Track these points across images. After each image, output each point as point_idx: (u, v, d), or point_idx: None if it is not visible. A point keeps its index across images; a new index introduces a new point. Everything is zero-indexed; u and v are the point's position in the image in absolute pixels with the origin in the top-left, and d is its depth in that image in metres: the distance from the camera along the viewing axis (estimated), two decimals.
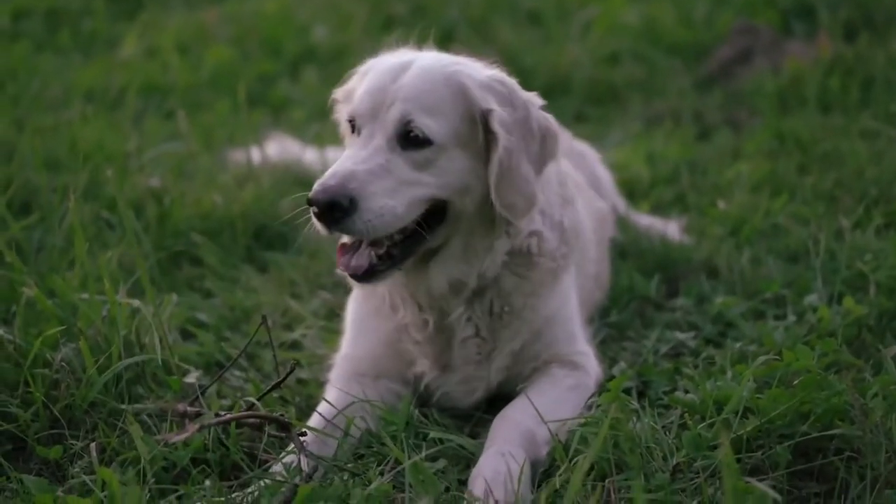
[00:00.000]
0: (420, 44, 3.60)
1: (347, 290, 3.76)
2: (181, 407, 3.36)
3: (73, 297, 3.75)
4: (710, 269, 4.53)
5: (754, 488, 2.81)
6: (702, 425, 3.20)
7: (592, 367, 3.62)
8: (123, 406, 3.46)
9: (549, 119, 3.47)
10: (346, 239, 3.32)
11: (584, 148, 4.78)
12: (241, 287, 4.51)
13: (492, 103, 3.31)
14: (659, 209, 5.20)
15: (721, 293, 4.30)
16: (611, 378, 3.50)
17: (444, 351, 3.53)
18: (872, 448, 3.05)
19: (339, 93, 3.60)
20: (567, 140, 4.63)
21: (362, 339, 3.62)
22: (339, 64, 7.27)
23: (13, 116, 5.60)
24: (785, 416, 3.16)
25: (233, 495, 3.07)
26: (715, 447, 3.06)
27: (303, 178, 5.33)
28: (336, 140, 5.73)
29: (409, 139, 3.26)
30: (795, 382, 3.24)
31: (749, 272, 4.40)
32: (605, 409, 3.21)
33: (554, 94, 6.56)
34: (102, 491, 3.02)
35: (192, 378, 3.66)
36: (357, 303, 3.67)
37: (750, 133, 6.01)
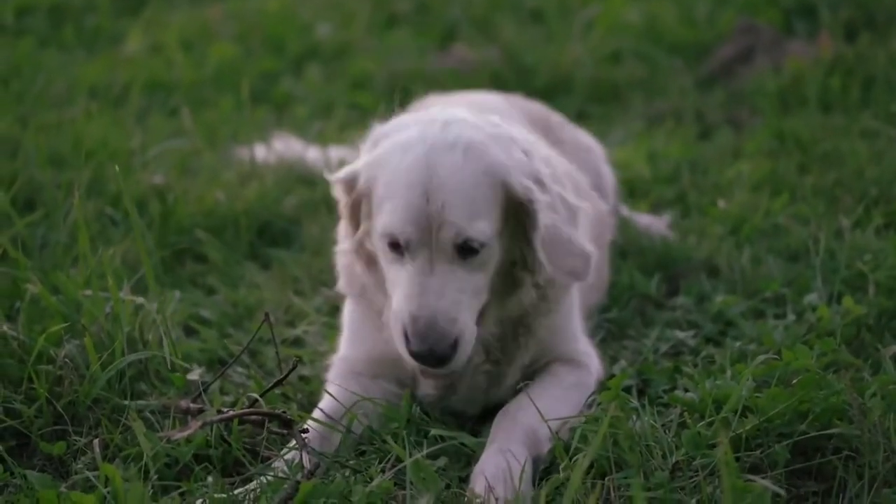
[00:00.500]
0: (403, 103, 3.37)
1: None
2: (184, 403, 3.39)
3: (76, 293, 3.76)
4: (711, 268, 4.54)
5: (753, 486, 2.83)
6: (701, 424, 3.21)
7: (595, 366, 3.62)
8: (126, 402, 3.47)
9: (573, 197, 3.43)
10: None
11: (591, 143, 4.70)
12: (244, 284, 4.52)
13: (534, 192, 3.23)
14: (659, 208, 5.21)
15: (721, 292, 4.31)
16: (611, 376, 3.51)
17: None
18: (871, 447, 3.06)
19: (342, 175, 3.40)
20: (572, 132, 4.61)
21: (359, 342, 3.60)
22: (342, 61, 7.30)
23: (17, 113, 5.61)
24: (784, 415, 3.17)
25: (235, 492, 3.08)
26: (714, 446, 3.07)
27: (306, 176, 5.36)
28: (338, 139, 5.78)
29: (465, 249, 3.17)
30: (794, 382, 3.26)
31: (749, 271, 4.41)
32: (605, 408, 3.22)
33: (556, 92, 6.57)
34: (105, 487, 3.04)
35: (194, 375, 3.66)
36: (350, 308, 3.65)
37: (751, 132, 6.02)
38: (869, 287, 4.06)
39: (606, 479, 3.05)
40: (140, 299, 3.78)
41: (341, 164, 5.33)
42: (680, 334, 4.06)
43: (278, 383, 3.41)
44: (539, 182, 3.28)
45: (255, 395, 3.41)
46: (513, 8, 8.13)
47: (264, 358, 3.96)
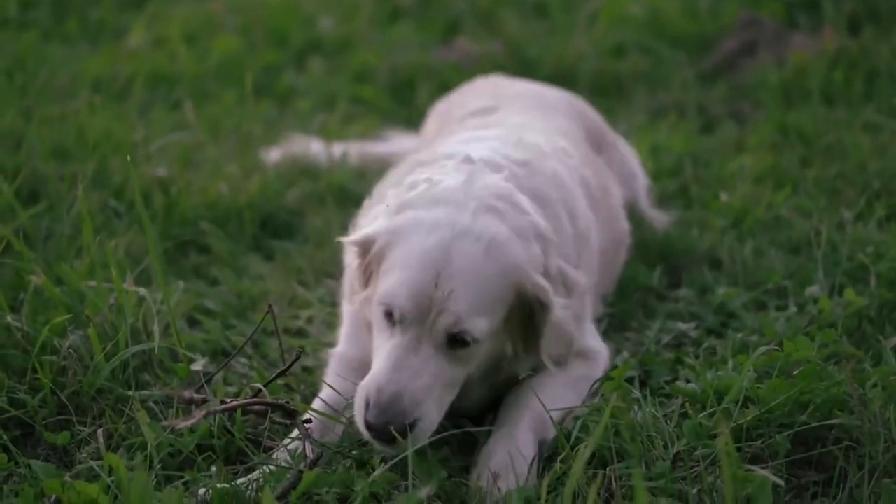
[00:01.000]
0: None
1: None
2: (187, 394, 3.40)
3: (80, 284, 3.78)
4: (713, 261, 4.55)
5: (754, 476, 2.84)
6: (702, 414, 3.23)
7: (603, 360, 3.61)
8: (130, 393, 3.49)
9: (573, 273, 3.42)
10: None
11: (637, 170, 4.86)
12: (248, 275, 4.53)
13: (549, 294, 3.20)
14: (662, 201, 5.22)
15: (723, 284, 4.32)
16: (614, 367, 3.52)
17: None
18: (871, 438, 3.08)
19: (358, 238, 3.33)
20: (622, 155, 4.76)
21: (356, 338, 3.57)
22: (345, 55, 7.30)
23: (21, 106, 5.61)
24: (785, 405, 3.18)
25: (238, 481, 3.10)
26: (715, 436, 3.08)
27: (309, 169, 5.37)
28: (340, 134, 5.79)
29: (456, 341, 3.12)
30: (795, 373, 3.27)
31: (751, 263, 4.42)
32: (607, 398, 3.23)
33: (559, 85, 6.53)
34: (109, 476, 3.05)
35: (198, 365, 3.68)
36: (350, 308, 3.62)
37: (753, 126, 6.02)
38: (870, 279, 4.07)
39: (608, 468, 3.06)
40: (143, 291, 3.79)
41: (343, 161, 5.39)
42: (682, 326, 4.07)
43: (281, 374, 3.42)
44: (550, 277, 3.25)
45: (259, 386, 3.42)
46: (516, 1, 8.12)
47: (267, 348, 3.97)
